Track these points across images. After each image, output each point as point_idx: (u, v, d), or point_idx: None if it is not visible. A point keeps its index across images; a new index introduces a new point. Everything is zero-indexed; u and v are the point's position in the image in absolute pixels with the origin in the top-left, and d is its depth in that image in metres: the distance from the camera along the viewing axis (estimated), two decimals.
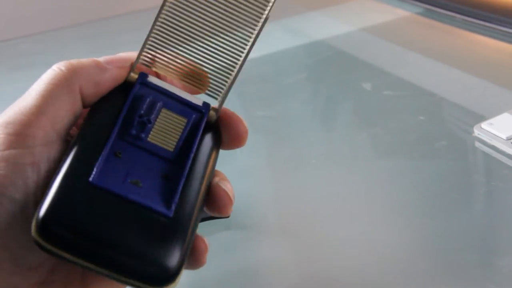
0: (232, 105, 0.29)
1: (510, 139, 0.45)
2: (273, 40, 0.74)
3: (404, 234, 0.39)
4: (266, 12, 0.26)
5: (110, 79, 0.26)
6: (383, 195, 0.43)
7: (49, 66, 0.25)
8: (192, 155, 0.26)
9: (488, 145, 0.46)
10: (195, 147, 0.26)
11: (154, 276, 0.23)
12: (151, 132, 0.26)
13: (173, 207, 0.24)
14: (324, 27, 0.78)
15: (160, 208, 0.24)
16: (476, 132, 0.47)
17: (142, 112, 0.26)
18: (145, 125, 0.26)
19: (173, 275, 0.23)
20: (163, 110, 0.26)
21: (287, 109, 0.57)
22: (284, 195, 0.44)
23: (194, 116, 0.27)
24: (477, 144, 0.46)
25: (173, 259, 0.23)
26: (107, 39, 0.81)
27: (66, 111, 0.25)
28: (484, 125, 0.47)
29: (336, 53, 0.70)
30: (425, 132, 0.50)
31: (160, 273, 0.23)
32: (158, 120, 0.26)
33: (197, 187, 0.25)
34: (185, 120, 0.26)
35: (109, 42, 0.80)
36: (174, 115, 0.26)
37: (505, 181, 0.42)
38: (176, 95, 0.27)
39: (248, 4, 0.26)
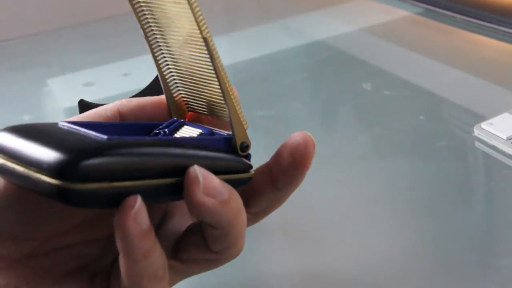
0: None
1: (510, 139, 0.45)
2: (273, 40, 0.74)
3: (403, 234, 0.39)
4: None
5: None
6: (383, 195, 0.43)
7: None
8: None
9: (488, 145, 0.45)
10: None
11: None
12: None
13: None
14: (324, 27, 0.78)
15: None
16: (476, 132, 0.47)
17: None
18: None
19: None
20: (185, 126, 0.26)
21: (287, 109, 0.57)
22: None
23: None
24: (477, 144, 0.46)
25: None
26: (107, 39, 0.81)
27: None
28: (484, 125, 0.47)
29: (336, 53, 0.69)
30: (425, 132, 0.50)
31: None
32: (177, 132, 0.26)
33: None
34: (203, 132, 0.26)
35: (109, 42, 0.80)
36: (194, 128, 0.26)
37: (505, 181, 0.42)
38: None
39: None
